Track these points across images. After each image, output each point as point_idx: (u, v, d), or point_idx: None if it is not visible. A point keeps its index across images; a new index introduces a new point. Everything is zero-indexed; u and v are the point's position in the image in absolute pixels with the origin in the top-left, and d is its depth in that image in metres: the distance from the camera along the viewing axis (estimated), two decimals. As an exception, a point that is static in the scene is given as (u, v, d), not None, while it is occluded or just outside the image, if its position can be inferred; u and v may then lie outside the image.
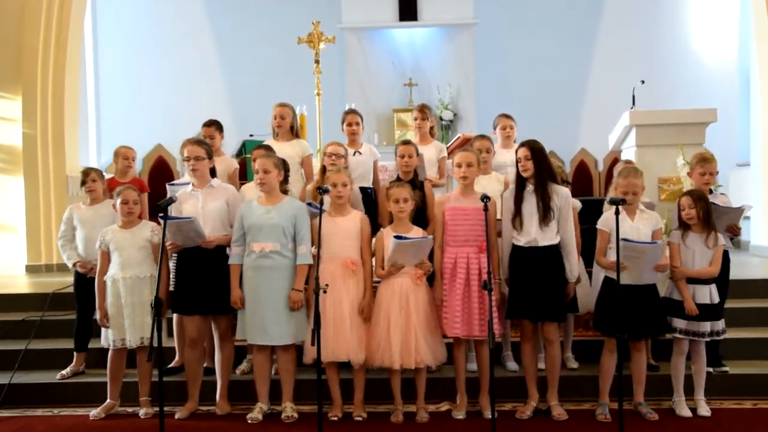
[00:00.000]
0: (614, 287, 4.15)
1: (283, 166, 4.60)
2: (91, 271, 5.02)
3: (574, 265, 4.42)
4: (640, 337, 4.43)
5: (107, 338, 4.68)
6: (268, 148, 5.06)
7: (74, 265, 5.18)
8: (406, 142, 5.11)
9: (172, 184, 5.30)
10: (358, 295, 4.45)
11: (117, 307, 4.61)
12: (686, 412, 4.47)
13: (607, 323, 4.33)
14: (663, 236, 4.54)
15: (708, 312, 4.42)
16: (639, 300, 4.33)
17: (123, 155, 5.79)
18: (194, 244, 4.50)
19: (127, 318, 4.57)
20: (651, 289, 4.41)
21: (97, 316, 4.69)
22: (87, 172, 5.28)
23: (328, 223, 4.44)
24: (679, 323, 4.45)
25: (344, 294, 4.41)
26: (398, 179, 5.01)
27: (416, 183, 4.97)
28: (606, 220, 4.45)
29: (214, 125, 5.56)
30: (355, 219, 4.54)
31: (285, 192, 4.60)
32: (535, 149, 4.39)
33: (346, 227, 4.49)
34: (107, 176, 5.75)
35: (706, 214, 4.43)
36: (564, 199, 4.40)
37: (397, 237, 4.31)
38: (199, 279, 4.53)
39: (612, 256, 4.27)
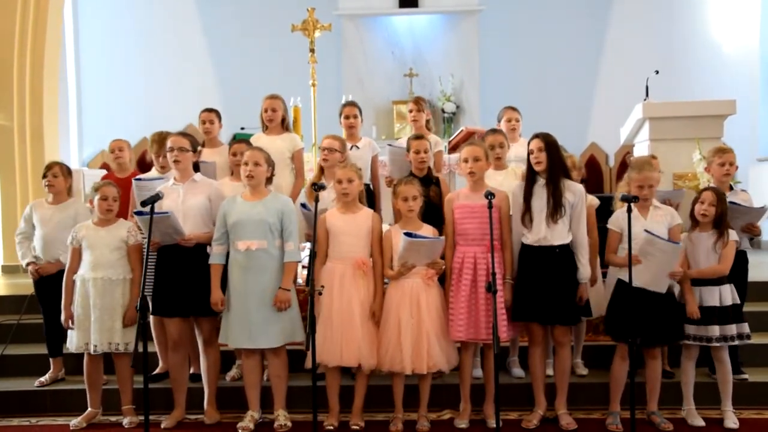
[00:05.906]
0: (627, 290, 4.16)
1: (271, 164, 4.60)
2: (45, 272, 5.05)
3: (586, 265, 4.41)
4: (655, 344, 4.43)
5: (71, 341, 4.65)
6: (249, 144, 5.07)
7: (27, 265, 5.18)
8: (419, 137, 5.14)
9: (139, 179, 5.22)
10: (369, 297, 4.44)
11: (84, 308, 4.58)
12: (698, 422, 4.46)
13: (619, 328, 4.34)
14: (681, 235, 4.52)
15: (717, 315, 4.36)
16: (654, 304, 4.31)
17: (111, 148, 5.79)
18: (173, 241, 4.49)
19: (94, 321, 4.55)
20: (667, 292, 4.37)
21: (62, 317, 4.66)
22: (49, 166, 5.24)
23: (337, 221, 4.46)
24: (688, 328, 4.42)
25: (354, 296, 4.40)
26: (411, 174, 5.01)
27: (431, 178, 4.99)
28: (617, 219, 4.45)
29: (214, 111, 5.71)
30: (367, 216, 4.53)
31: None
32: (549, 142, 4.39)
33: (356, 225, 4.48)
34: (99, 171, 5.73)
35: (722, 216, 4.40)
36: (578, 196, 4.40)
37: (407, 234, 4.28)
38: (180, 279, 4.52)
39: (624, 255, 4.26)
